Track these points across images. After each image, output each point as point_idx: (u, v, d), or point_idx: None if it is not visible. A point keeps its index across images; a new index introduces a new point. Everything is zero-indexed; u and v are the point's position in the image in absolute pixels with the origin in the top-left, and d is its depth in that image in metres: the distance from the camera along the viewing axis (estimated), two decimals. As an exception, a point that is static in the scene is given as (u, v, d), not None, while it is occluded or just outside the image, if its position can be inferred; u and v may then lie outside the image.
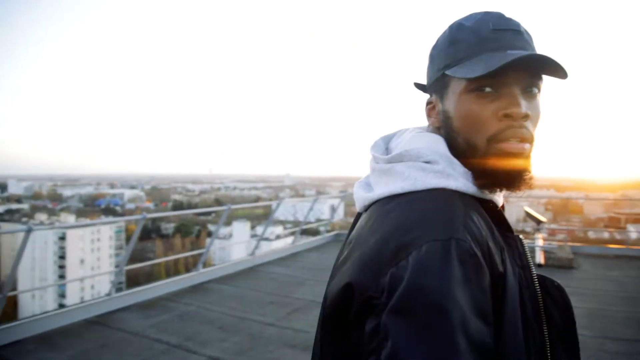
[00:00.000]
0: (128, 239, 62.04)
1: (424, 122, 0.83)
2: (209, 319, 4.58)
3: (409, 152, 0.73)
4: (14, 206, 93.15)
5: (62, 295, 56.43)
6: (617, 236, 28.56)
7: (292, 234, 9.28)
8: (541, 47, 0.72)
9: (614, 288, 5.80)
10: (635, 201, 55.20)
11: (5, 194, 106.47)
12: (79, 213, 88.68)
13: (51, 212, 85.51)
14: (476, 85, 0.69)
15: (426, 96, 0.82)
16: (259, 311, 4.81)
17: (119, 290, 5.28)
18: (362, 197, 0.78)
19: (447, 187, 0.68)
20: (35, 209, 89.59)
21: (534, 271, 0.71)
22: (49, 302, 55.82)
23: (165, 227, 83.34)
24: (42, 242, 59.95)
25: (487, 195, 0.72)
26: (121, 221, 70.19)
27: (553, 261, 7.06)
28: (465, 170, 0.71)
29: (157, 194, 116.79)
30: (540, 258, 7.08)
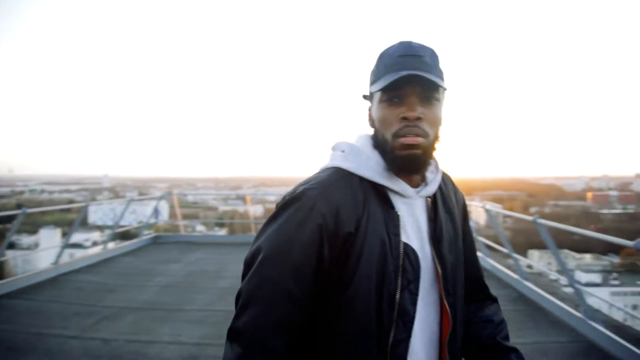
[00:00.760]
0: None
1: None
2: (-6, 340, 3.97)
3: (337, 145, 1.08)
4: None
5: None
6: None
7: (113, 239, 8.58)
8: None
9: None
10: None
11: None
12: None
13: None
14: (387, 97, 0.96)
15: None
16: (60, 324, 4.34)
17: None
18: None
19: (341, 167, 1.00)
20: None
21: (402, 239, 0.97)
22: None
23: (-55, 240, 67.92)
24: None
25: (379, 179, 0.98)
26: None
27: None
28: (371, 160, 1.00)
29: None
30: None
